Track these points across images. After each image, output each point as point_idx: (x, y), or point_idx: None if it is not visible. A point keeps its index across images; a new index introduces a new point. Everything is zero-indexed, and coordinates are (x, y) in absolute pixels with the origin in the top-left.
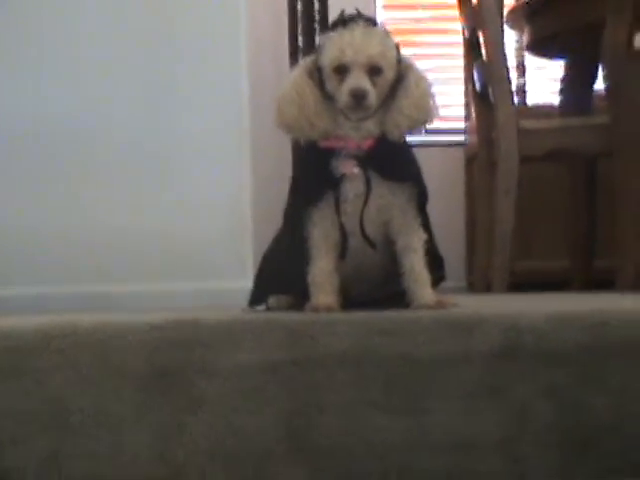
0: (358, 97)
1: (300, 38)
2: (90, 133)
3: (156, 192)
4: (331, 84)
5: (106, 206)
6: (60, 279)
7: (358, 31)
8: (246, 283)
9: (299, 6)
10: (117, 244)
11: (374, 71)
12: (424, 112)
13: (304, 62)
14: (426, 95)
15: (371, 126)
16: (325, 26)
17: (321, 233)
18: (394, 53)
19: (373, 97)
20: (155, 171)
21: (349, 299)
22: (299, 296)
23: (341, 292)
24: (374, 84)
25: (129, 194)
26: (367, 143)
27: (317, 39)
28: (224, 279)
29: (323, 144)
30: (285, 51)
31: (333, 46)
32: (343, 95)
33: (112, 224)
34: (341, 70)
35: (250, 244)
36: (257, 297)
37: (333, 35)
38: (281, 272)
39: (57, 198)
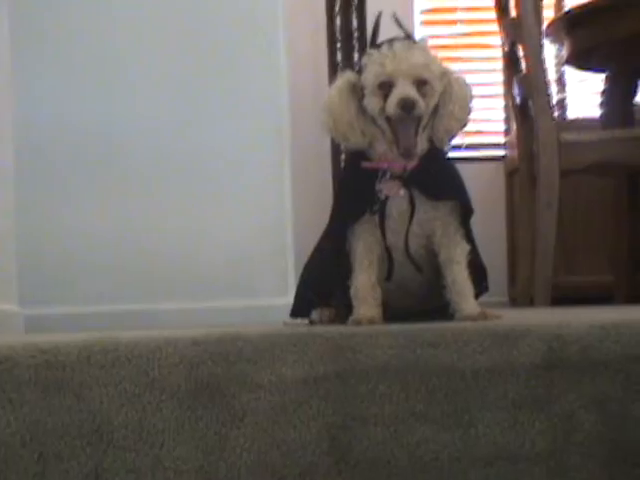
0: (407, 107)
1: (339, 54)
2: (129, 151)
3: (195, 212)
4: (375, 102)
5: (148, 224)
6: (101, 299)
7: (399, 46)
8: (288, 300)
9: (338, 21)
10: (160, 263)
11: (420, 82)
12: (468, 113)
13: (347, 75)
14: (469, 97)
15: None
16: (363, 42)
17: (364, 247)
18: (438, 65)
19: (422, 106)
20: (198, 191)
21: (392, 312)
22: (342, 309)
23: (384, 305)
24: (422, 95)
25: (172, 213)
26: (411, 164)
27: (355, 55)
28: (266, 296)
29: (365, 165)
30: (324, 66)
31: (375, 62)
32: (391, 106)
33: (155, 243)
34: (386, 85)
35: (291, 260)
36: (299, 309)
37: (373, 52)
38: (323, 285)
39: (96, 219)
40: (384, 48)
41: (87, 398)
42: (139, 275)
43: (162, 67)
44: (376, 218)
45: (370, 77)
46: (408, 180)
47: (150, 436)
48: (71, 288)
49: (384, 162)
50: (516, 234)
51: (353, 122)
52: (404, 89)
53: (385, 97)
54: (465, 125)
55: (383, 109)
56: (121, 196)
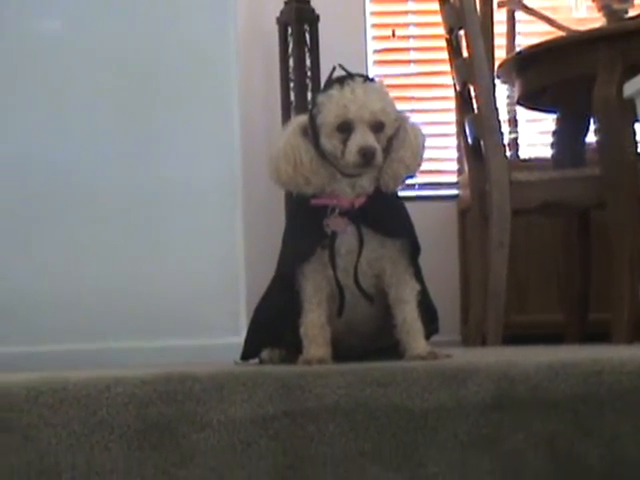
0: (367, 156)
1: (292, 92)
2: (77, 187)
3: (146, 248)
4: (331, 142)
5: (95, 263)
6: (50, 338)
7: (359, 88)
8: (239, 339)
9: (291, 61)
10: (107, 302)
11: (377, 127)
12: (419, 161)
13: (297, 120)
14: (422, 145)
15: (365, 182)
16: (317, 81)
17: (313, 286)
18: (393, 108)
19: (380, 155)
20: (145, 227)
21: (342, 352)
22: (291, 349)
23: (333, 345)
24: (377, 141)
25: (119, 251)
26: (359, 201)
27: (309, 94)
28: (217, 335)
29: (314, 202)
30: (277, 104)
31: (335, 103)
32: (351, 154)
33: (102, 282)
34: (344, 128)
35: (243, 299)
36: (249, 350)
37: (333, 93)
38: (273, 325)
39: (45, 256)
40: (346, 89)
41: (35, 439)
42: (88, 314)
43: (112, 108)
44: (326, 256)
45: (330, 118)
46: (356, 217)
47: (98, 477)
48: (18, 327)
49: (332, 198)
50: (469, 273)
51: (314, 164)
52: (364, 137)
53: (344, 140)
54: (414, 173)
55: (343, 152)
56: (69, 234)
